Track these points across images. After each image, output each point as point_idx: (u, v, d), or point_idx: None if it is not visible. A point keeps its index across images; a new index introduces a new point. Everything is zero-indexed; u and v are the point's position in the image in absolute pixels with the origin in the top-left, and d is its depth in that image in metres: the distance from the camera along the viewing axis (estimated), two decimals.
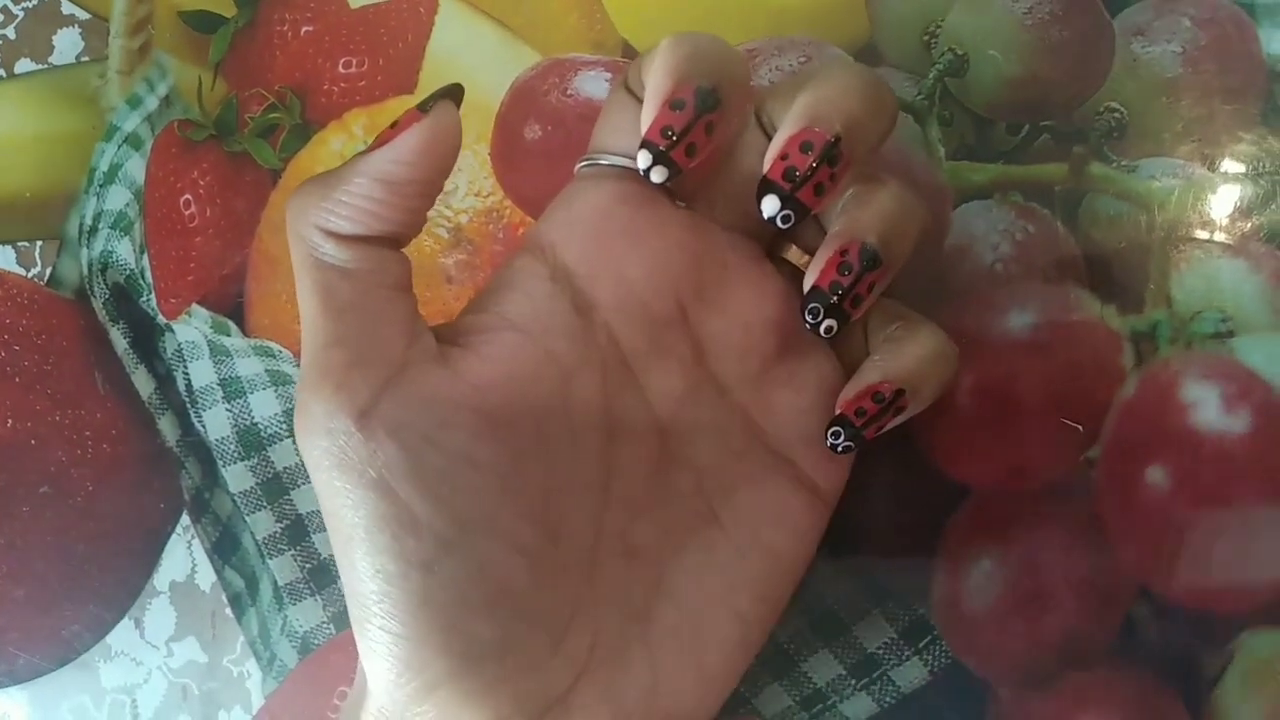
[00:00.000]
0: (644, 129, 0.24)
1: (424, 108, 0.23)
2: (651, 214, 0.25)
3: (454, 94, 0.24)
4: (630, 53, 0.34)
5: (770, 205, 0.23)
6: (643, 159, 0.24)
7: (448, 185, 0.34)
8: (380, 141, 0.23)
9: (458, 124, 0.23)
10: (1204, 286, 0.30)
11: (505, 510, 0.23)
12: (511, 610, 0.23)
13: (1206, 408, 0.29)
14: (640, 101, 0.25)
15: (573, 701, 0.24)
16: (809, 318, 0.24)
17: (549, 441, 0.24)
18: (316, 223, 0.23)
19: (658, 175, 0.24)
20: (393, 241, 0.24)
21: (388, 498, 0.22)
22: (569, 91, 0.34)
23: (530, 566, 0.23)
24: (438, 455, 0.22)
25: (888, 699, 0.31)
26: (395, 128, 0.23)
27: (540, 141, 0.34)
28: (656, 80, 0.24)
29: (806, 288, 0.24)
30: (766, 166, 0.24)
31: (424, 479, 0.22)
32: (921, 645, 0.30)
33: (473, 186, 0.34)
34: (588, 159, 0.26)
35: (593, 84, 0.33)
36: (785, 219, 0.23)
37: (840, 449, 0.25)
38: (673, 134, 0.23)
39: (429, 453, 0.22)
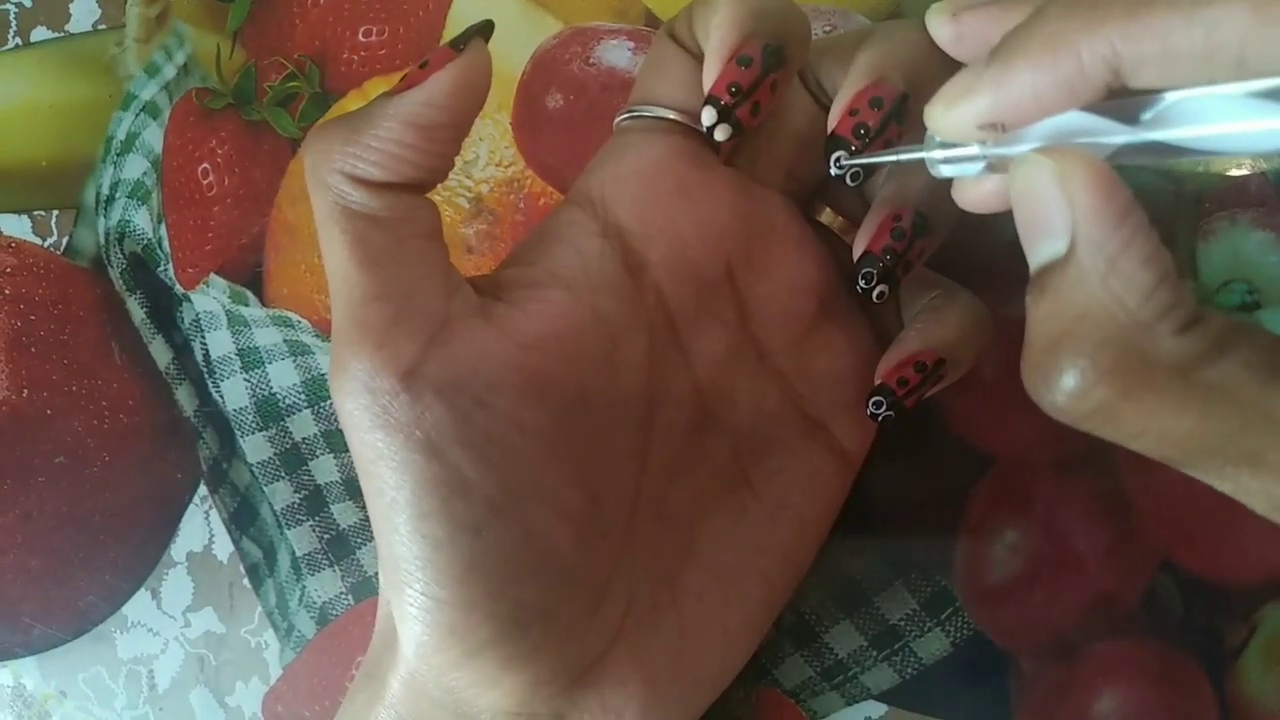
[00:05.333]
0: (709, 84, 0.23)
1: (456, 46, 0.22)
2: (703, 173, 0.25)
3: (485, 31, 0.23)
4: (653, 21, 0.33)
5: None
6: (707, 115, 0.23)
7: (469, 154, 0.34)
8: (410, 83, 0.22)
9: (489, 63, 0.22)
10: (1230, 259, 0.30)
11: (551, 474, 0.23)
12: (556, 575, 0.23)
13: None
14: (689, 53, 0.24)
15: (606, 665, 0.24)
16: (862, 282, 0.24)
17: (593, 404, 0.23)
18: (342, 169, 0.22)
19: (721, 133, 0.23)
20: (420, 187, 0.23)
21: (436, 460, 0.21)
22: (591, 60, 0.33)
23: (574, 531, 0.23)
24: (486, 417, 0.22)
25: (909, 670, 0.31)
26: (426, 68, 0.22)
27: (562, 110, 0.33)
28: (722, 34, 0.23)
29: (858, 252, 0.24)
30: (834, 123, 0.23)
31: (473, 441, 0.22)
32: (943, 616, 0.30)
33: (494, 156, 0.34)
34: (630, 111, 0.25)
35: (615, 53, 0.33)
36: (855, 176, 0.23)
37: (881, 418, 0.25)
38: (739, 91, 0.23)
39: (478, 414, 0.22)
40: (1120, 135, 0.19)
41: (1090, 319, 0.18)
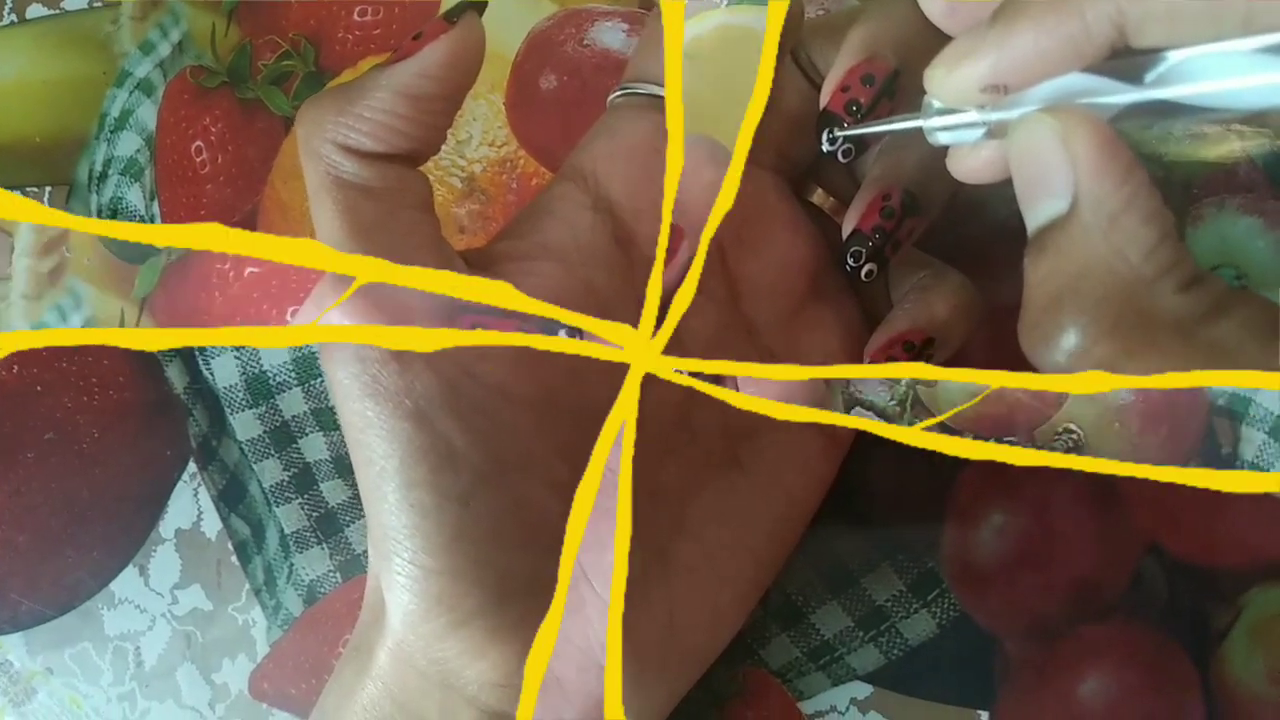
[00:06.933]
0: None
1: (450, 18, 0.22)
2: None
3: (479, 4, 0.23)
4: (647, 3, 0.34)
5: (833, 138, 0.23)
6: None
7: (462, 134, 0.34)
8: (403, 54, 0.22)
9: (483, 35, 0.23)
10: (1218, 244, 0.30)
11: (539, 445, 0.23)
12: (543, 545, 0.23)
13: None
14: None
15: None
16: (850, 260, 0.24)
17: (582, 377, 0.24)
18: (335, 139, 0.22)
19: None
20: (412, 159, 0.23)
21: (425, 429, 0.21)
22: (585, 42, 0.33)
23: (562, 502, 0.23)
24: (475, 387, 0.22)
25: (895, 651, 0.31)
26: (419, 40, 0.22)
27: (556, 92, 0.34)
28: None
29: (847, 231, 0.24)
30: (826, 99, 0.23)
31: (462, 411, 0.22)
32: (930, 598, 0.31)
33: (487, 136, 0.34)
34: (624, 89, 0.26)
35: (609, 35, 0.33)
36: (847, 153, 0.23)
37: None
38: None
39: (466, 384, 0.22)
40: (1125, 95, 0.18)
41: (1092, 276, 0.18)
